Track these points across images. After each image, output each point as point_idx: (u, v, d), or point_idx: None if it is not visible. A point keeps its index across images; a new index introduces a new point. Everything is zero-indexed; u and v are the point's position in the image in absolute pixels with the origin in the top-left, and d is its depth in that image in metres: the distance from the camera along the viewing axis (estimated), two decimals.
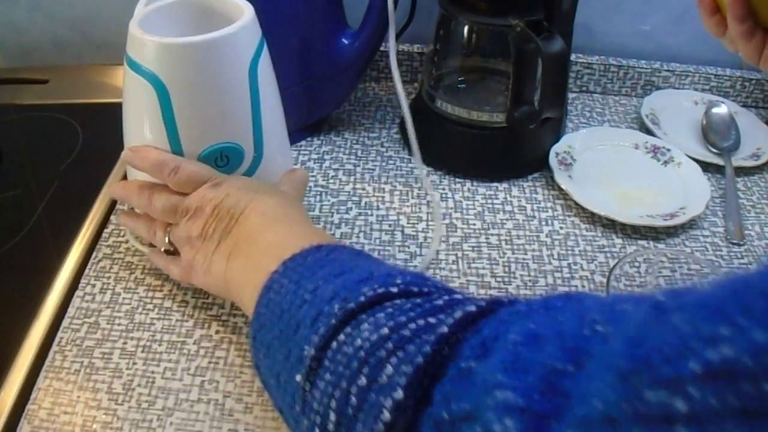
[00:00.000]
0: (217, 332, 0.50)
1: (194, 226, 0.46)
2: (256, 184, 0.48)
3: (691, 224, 0.61)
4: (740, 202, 0.64)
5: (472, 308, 0.30)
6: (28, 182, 0.63)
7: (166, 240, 0.49)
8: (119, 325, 0.50)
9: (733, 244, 0.60)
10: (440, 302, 0.32)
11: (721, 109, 0.74)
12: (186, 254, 0.47)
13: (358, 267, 0.36)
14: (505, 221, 0.61)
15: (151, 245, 0.52)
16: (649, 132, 0.71)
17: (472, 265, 0.56)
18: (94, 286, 0.53)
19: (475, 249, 0.58)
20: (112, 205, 0.60)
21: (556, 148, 0.66)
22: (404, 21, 0.75)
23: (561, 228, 0.60)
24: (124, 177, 0.61)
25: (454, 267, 0.56)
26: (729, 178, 0.66)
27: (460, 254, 0.57)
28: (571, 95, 0.78)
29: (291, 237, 0.42)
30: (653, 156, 0.68)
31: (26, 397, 0.45)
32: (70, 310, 0.51)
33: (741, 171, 0.68)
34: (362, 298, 0.32)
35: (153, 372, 0.47)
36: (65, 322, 0.50)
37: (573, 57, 0.76)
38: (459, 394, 0.26)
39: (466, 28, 0.66)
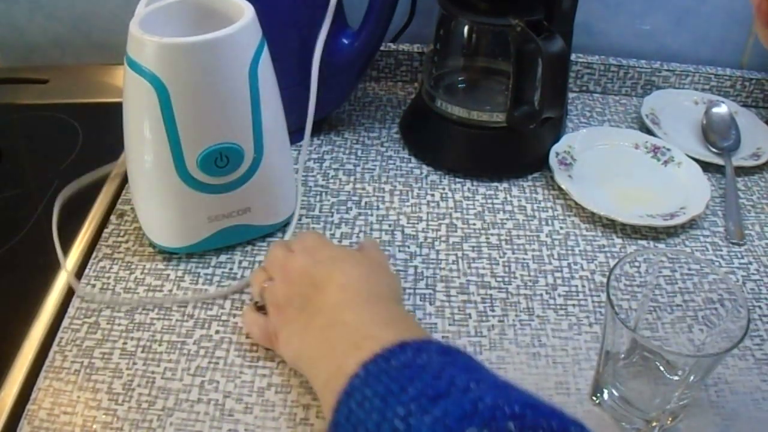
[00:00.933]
0: (217, 332, 0.50)
1: (281, 291, 0.45)
2: (344, 253, 0.47)
3: (691, 224, 0.61)
4: (740, 202, 0.64)
5: None
6: (28, 182, 0.63)
7: (258, 291, 0.48)
8: (119, 325, 0.50)
9: (733, 244, 0.60)
10: None
11: (721, 109, 0.73)
12: (272, 317, 0.46)
13: (454, 386, 0.32)
14: (505, 221, 0.61)
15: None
16: (649, 132, 0.71)
17: (472, 265, 0.56)
18: (94, 286, 0.53)
19: (475, 249, 0.58)
20: (112, 206, 0.60)
21: (556, 148, 0.66)
22: (404, 21, 0.75)
23: (561, 228, 0.60)
24: (125, 177, 0.61)
25: (454, 267, 0.56)
26: (729, 178, 0.66)
27: (460, 254, 0.57)
28: (571, 95, 0.78)
29: (370, 321, 0.40)
30: (653, 156, 0.68)
31: (26, 397, 0.45)
32: (70, 310, 0.51)
33: (741, 171, 0.68)
34: None
35: (153, 372, 0.47)
36: (65, 322, 0.50)
37: (573, 57, 0.76)
38: None
39: (466, 28, 0.66)
